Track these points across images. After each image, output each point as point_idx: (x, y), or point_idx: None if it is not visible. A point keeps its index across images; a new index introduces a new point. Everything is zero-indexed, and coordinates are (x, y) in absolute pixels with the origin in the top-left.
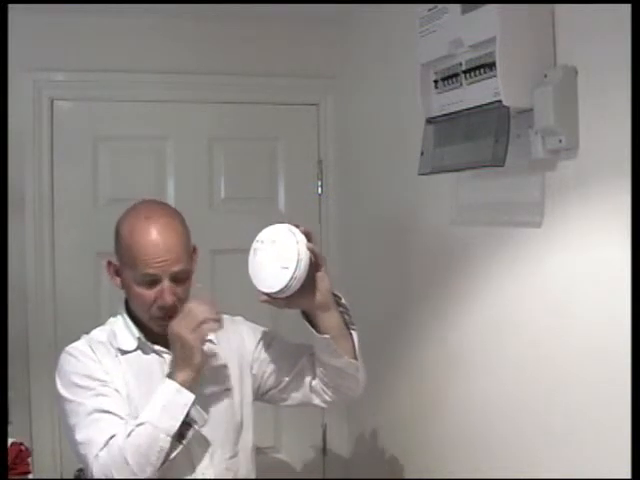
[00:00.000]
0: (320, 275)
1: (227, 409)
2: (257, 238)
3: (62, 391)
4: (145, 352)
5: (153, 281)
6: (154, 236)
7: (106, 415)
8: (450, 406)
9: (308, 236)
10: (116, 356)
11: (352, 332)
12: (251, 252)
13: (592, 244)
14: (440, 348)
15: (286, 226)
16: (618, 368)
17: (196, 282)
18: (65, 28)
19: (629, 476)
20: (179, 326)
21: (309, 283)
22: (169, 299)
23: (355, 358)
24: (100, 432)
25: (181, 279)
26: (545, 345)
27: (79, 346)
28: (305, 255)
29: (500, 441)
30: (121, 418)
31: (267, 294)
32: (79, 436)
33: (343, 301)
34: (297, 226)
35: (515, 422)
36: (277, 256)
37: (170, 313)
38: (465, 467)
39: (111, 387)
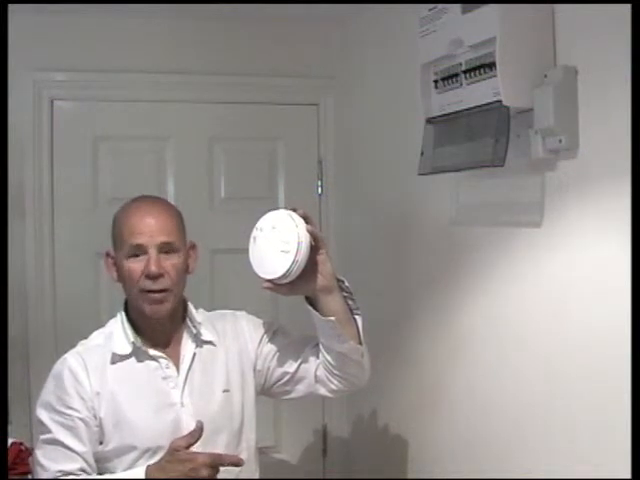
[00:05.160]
0: (321, 258)
1: (227, 411)
2: (256, 226)
3: (39, 403)
4: (139, 359)
5: (141, 252)
6: (142, 212)
7: (63, 449)
8: (451, 405)
9: (307, 219)
10: (111, 363)
11: (356, 317)
12: (251, 240)
13: (592, 244)
14: (440, 348)
15: (284, 211)
16: (618, 367)
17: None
18: (65, 28)
19: (629, 476)
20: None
21: (311, 267)
22: (154, 266)
23: (360, 343)
24: (53, 462)
25: (169, 252)
26: (544, 344)
27: (72, 363)
28: (305, 238)
29: (499, 440)
30: (77, 453)
31: (270, 281)
32: (38, 452)
33: (347, 284)
34: (295, 210)
35: (514, 420)
36: (277, 241)
37: (159, 286)
38: (466, 468)
39: (83, 414)
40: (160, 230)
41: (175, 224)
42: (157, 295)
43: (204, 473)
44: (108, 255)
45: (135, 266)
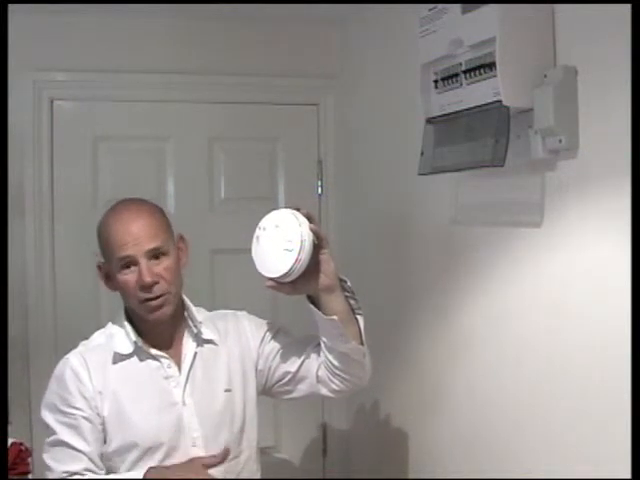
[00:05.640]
0: (324, 257)
1: (228, 410)
2: (259, 225)
3: (43, 404)
4: (141, 358)
5: (131, 263)
6: (125, 220)
7: (68, 450)
8: (451, 405)
9: (310, 218)
10: (113, 363)
11: (358, 317)
12: (254, 240)
13: (592, 244)
14: (440, 348)
15: (287, 210)
16: (617, 367)
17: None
18: (65, 28)
19: (629, 476)
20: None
21: (314, 266)
22: (147, 277)
23: (362, 343)
24: (59, 463)
25: (159, 257)
26: (544, 344)
27: (74, 363)
28: (308, 237)
29: (499, 440)
30: (82, 453)
31: (272, 279)
32: (45, 455)
33: (349, 284)
34: (298, 209)
35: (514, 421)
36: (280, 240)
37: (157, 293)
38: (466, 468)
39: (87, 413)
40: (145, 237)
41: (159, 225)
42: (156, 302)
43: None
44: (100, 268)
45: (128, 278)
